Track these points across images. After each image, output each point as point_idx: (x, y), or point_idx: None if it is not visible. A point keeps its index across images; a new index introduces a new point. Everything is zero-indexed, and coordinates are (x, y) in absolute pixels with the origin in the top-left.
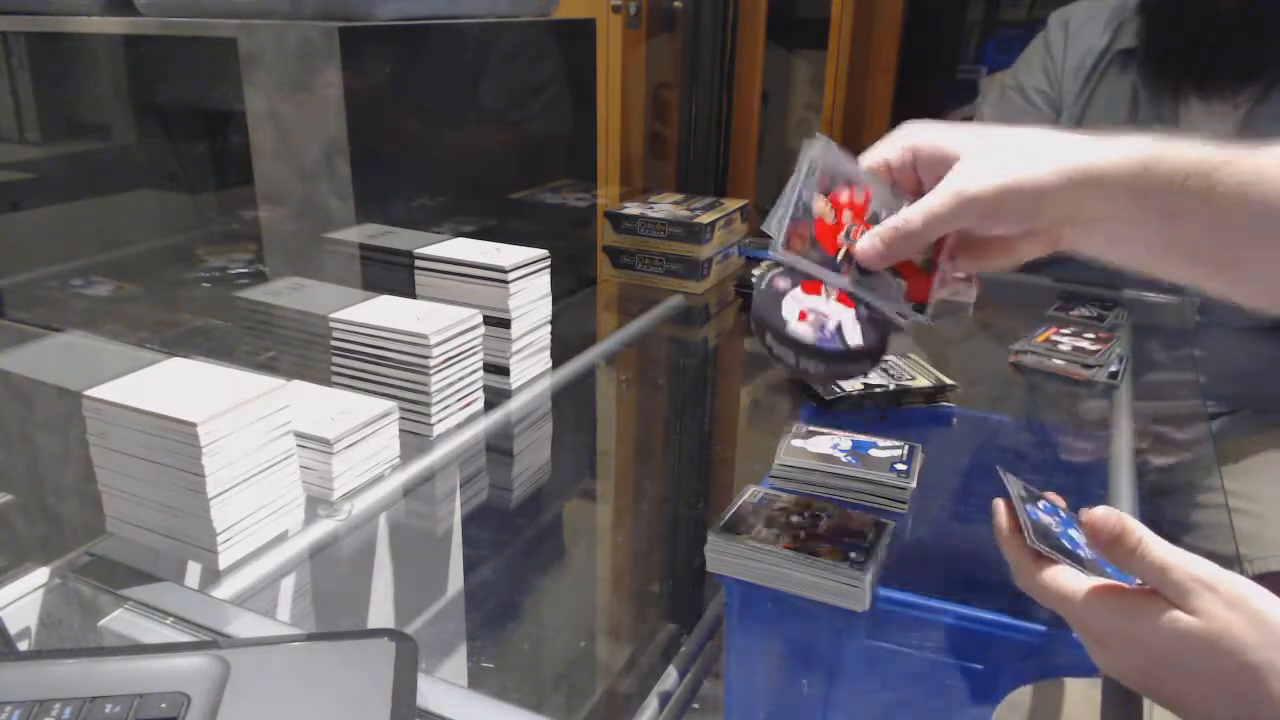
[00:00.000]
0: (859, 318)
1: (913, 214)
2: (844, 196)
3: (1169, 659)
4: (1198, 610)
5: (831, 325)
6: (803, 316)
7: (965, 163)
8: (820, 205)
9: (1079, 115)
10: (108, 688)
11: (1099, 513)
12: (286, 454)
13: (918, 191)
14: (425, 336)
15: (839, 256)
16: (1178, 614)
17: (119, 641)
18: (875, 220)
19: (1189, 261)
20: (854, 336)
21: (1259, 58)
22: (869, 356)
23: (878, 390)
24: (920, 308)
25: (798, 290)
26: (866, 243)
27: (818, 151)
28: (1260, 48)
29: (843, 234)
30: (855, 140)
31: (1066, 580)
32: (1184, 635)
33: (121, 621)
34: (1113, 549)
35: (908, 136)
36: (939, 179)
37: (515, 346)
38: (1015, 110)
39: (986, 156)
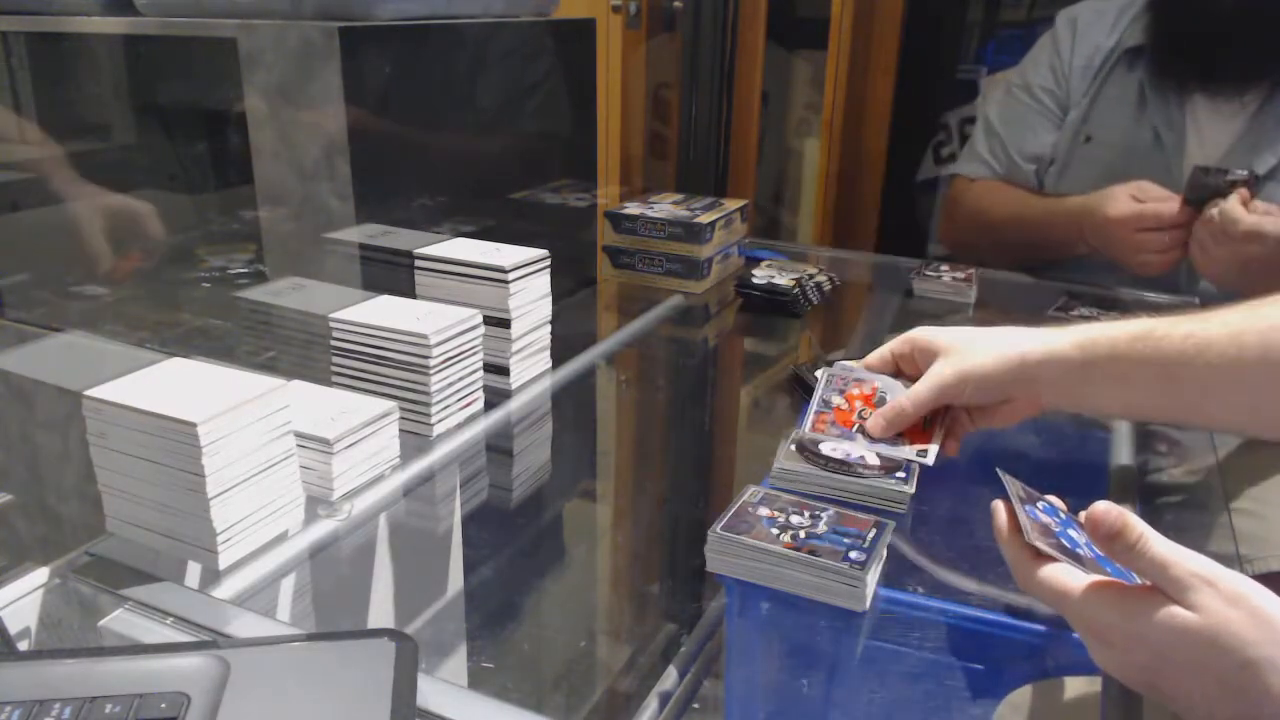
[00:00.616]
0: (876, 452)
1: (905, 400)
2: (855, 391)
3: (1169, 655)
4: (1197, 606)
5: (854, 456)
6: (834, 450)
7: (941, 358)
8: (837, 400)
9: (1085, 113)
10: (108, 688)
11: (1100, 508)
12: (286, 454)
13: (916, 373)
14: (425, 336)
15: (854, 429)
16: (1177, 610)
17: (119, 641)
18: (882, 401)
19: (1159, 413)
20: (871, 460)
21: (1265, 57)
22: (881, 468)
23: None
24: (922, 452)
25: (829, 439)
26: (874, 421)
27: (832, 369)
28: (1267, 47)
29: (855, 415)
30: (855, 140)
31: (1066, 578)
32: (1184, 631)
33: (121, 621)
34: (1113, 544)
35: (910, 335)
36: (929, 365)
37: (515, 346)
38: (1021, 109)
39: (956, 353)
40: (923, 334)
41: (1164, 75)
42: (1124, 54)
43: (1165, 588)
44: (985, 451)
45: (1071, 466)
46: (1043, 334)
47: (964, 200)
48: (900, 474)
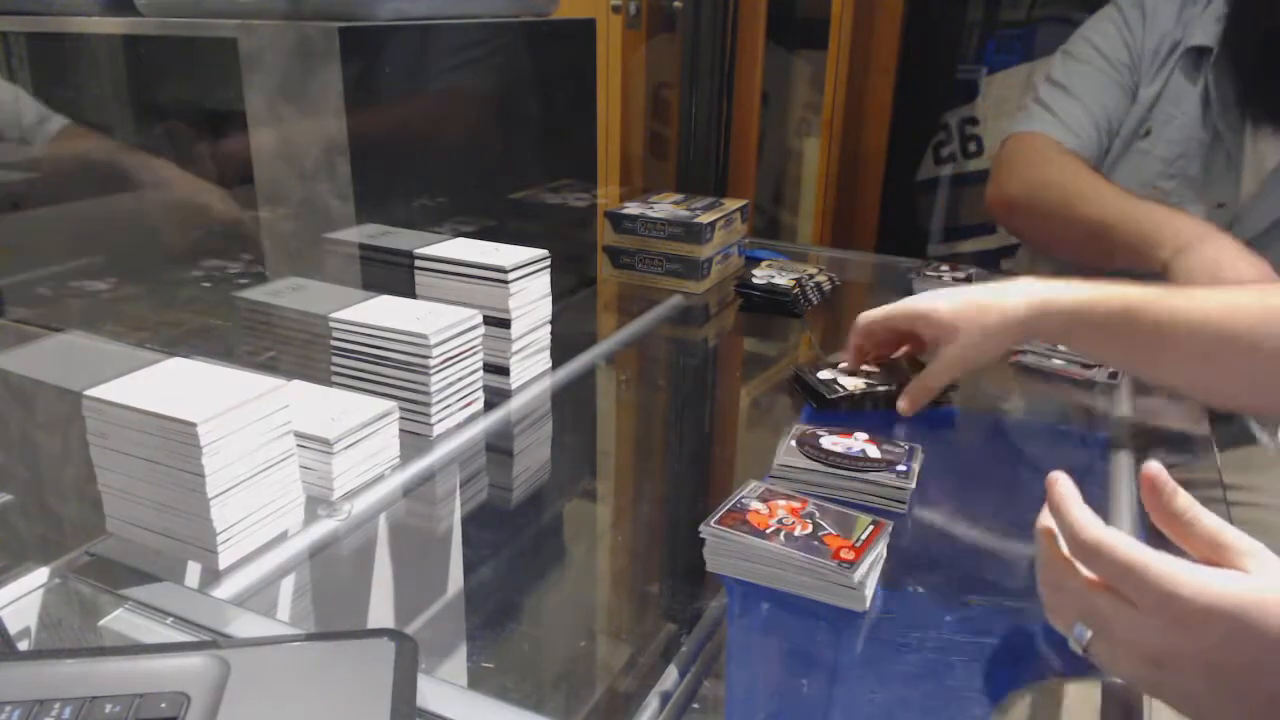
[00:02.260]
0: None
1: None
2: (782, 502)
3: (1246, 623)
4: (1262, 572)
5: (856, 450)
6: (834, 445)
7: (950, 343)
8: (756, 504)
9: (1149, 106)
10: (108, 688)
11: (1154, 467)
12: (286, 454)
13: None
14: (425, 336)
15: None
16: (1247, 576)
17: (119, 641)
18: (811, 515)
19: (1127, 366)
20: (872, 454)
21: None
22: (882, 461)
23: (879, 390)
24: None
25: (829, 435)
26: (904, 402)
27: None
28: None
29: (774, 521)
30: (855, 140)
31: (1137, 548)
32: (1262, 593)
33: (121, 621)
34: (1168, 506)
35: (912, 312)
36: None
37: (515, 346)
38: (1099, 75)
39: (964, 337)
40: (924, 312)
41: (1232, 87)
42: (1188, 52)
43: (1223, 555)
44: (986, 451)
45: (1071, 467)
46: (1055, 285)
47: (1041, 160)
48: (900, 468)
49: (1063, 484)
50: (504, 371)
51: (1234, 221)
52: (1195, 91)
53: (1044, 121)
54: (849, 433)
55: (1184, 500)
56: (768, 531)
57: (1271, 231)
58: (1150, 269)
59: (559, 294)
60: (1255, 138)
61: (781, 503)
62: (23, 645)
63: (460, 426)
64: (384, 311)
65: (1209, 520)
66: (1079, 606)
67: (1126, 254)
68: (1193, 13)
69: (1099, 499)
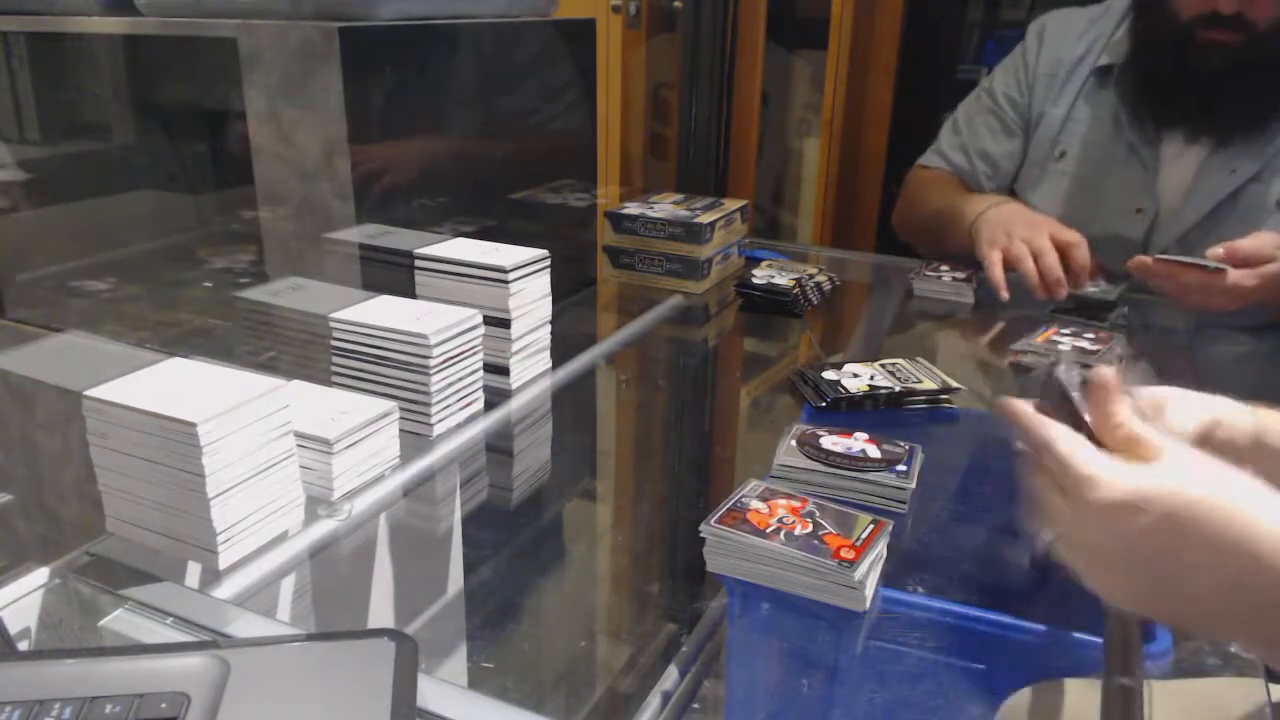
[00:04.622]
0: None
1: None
2: (782, 502)
3: (1161, 505)
4: (1166, 464)
5: (855, 450)
6: (834, 445)
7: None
8: (757, 504)
9: (1059, 129)
10: (108, 688)
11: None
12: (286, 454)
13: None
14: (425, 336)
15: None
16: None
17: (119, 641)
18: (811, 515)
19: None
20: (872, 454)
21: (1246, 107)
22: (882, 461)
23: (881, 391)
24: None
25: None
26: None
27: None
28: (1248, 100)
29: (774, 520)
30: (855, 140)
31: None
32: (1165, 479)
33: (121, 621)
34: (1101, 405)
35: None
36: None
37: (515, 346)
38: (983, 111)
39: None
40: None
41: (1139, 100)
42: (1095, 72)
43: (1138, 449)
44: (986, 452)
45: None
46: None
47: (911, 186)
48: (900, 467)
49: (1013, 404)
50: (504, 371)
51: (1153, 225)
52: (1103, 109)
53: (932, 156)
54: (849, 433)
55: (1120, 406)
56: (768, 531)
57: (1193, 233)
58: (966, 240)
59: (559, 294)
60: (1171, 145)
61: (782, 502)
62: (23, 645)
63: (460, 426)
64: (384, 311)
65: (1135, 424)
66: (1042, 507)
67: (952, 233)
68: (1098, 32)
69: None
